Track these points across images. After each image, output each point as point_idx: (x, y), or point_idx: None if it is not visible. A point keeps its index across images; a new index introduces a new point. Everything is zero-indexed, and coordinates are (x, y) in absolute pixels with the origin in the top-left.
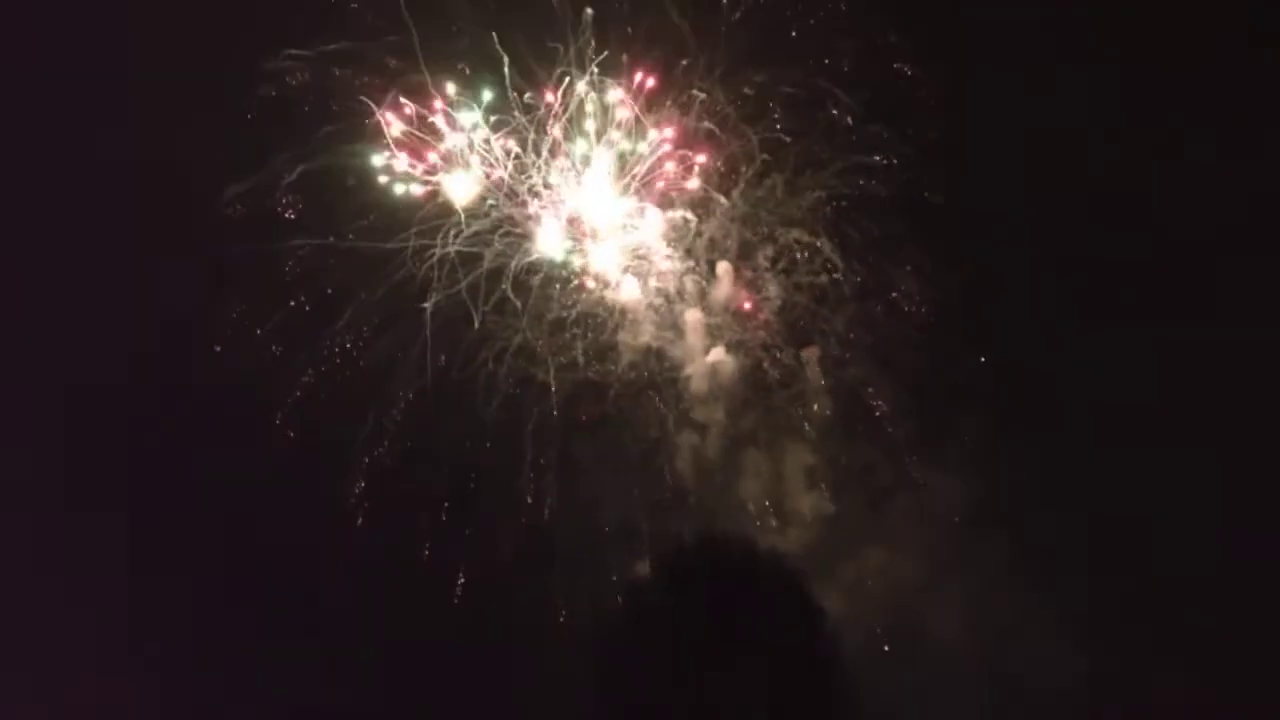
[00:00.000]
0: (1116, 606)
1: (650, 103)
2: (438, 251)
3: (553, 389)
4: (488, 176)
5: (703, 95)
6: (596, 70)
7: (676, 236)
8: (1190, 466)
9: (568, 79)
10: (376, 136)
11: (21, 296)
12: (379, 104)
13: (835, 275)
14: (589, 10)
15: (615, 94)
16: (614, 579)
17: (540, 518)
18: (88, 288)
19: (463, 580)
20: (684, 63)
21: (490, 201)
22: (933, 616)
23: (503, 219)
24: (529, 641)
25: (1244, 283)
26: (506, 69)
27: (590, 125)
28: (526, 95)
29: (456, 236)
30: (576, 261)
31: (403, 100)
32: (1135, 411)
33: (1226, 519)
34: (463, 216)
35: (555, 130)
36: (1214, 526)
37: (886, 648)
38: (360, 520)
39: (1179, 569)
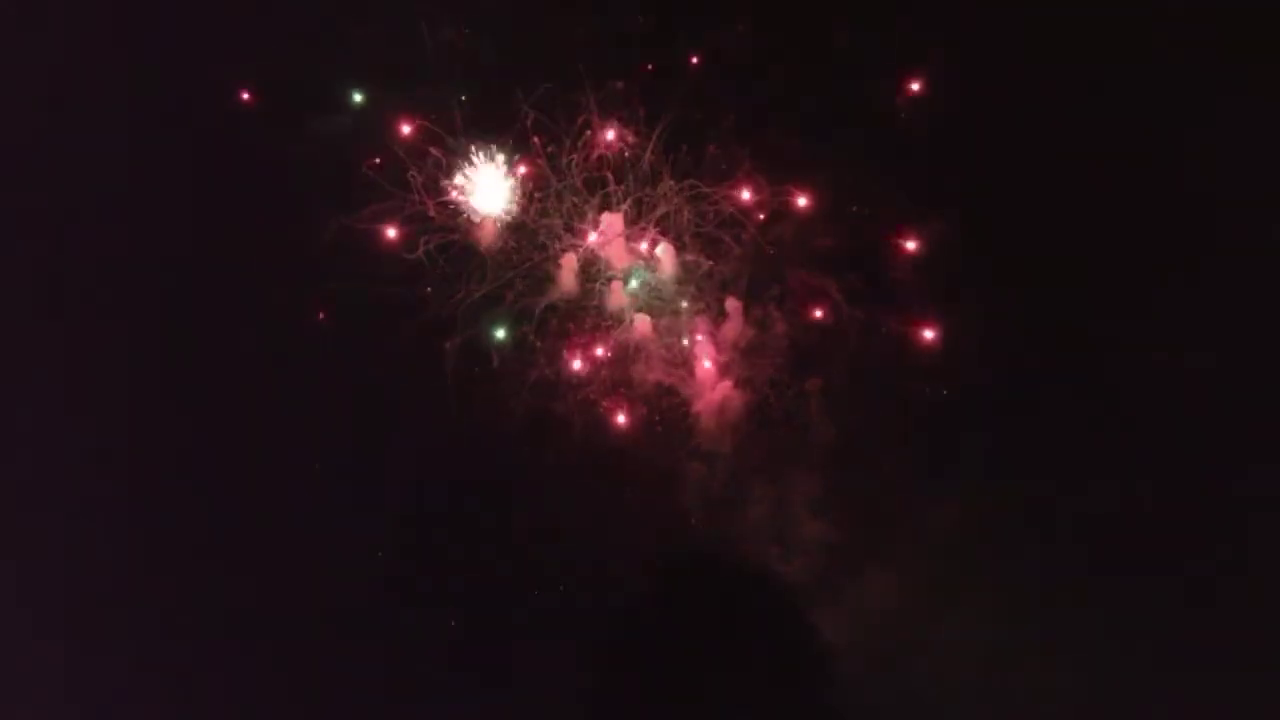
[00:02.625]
0: (1115, 630)
1: (666, 151)
2: (461, 292)
3: (571, 423)
4: (511, 221)
5: (713, 150)
6: (618, 122)
7: (688, 276)
8: (1189, 486)
9: (588, 131)
10: (408, 186)
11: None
12: (412, 156)
13: (840, 314)
14: (619, 83)
15: (633, 143)
16: (620, 602)
17: (555, 545)
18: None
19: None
20: (698, 116)
21: (512, 244)
22: (932, 640)
23: (524, 261)
24: (536, 659)
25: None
26: (530, 120)
27: (609, 172)
28: (550, 147)
29: (481, 279)
30: (592, 301)
31: (432, 150)
32: (1131, 435)
33: (1225, 537)
34: (487, 260)
35: (576, 177)
36: (1213, 547)
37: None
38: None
39: (1177, 590)
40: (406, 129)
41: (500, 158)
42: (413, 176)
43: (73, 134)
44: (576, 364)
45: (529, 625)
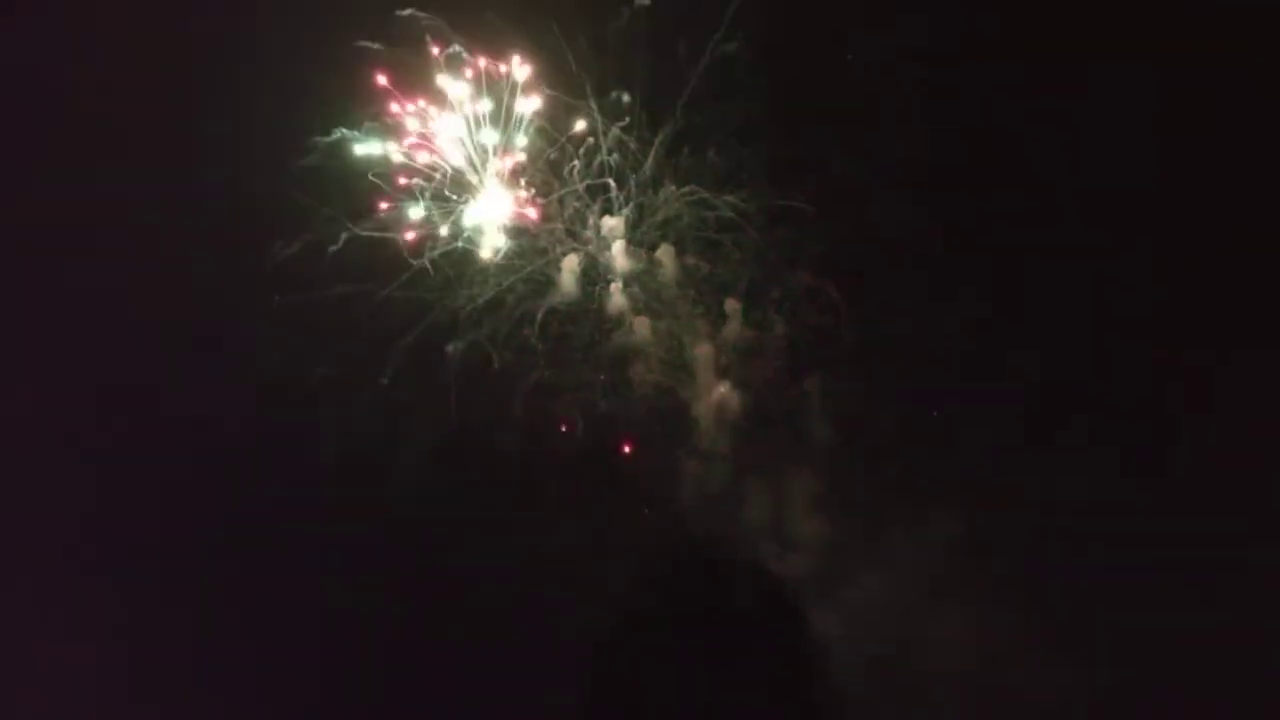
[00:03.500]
0: (1116, 630)
1: (668, 156)
2: (463, 296)
3: (576, 422)
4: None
5: (714, 156)
6: (618, 128)
7: (689, 279)
8: (1186, 488)
9: (591, 138)
10: (411, 192)
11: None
12: (415, 162)
13: (839, 315)
14: (625, 96)
15: (634, 148)
16: (617, 601)
17: (556, 544)
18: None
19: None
20: (700, 121)
21: (514, 248)
22: (929, 639)
23: (526, 266)
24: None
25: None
26: (532, 125)
27: (610, 178)
28: (550, 153)
29: (483, 284)
30: (594, 304)
31: (438, 159)
32: (1128, 437)
33: (1227, 536)
34: (491, 266)
35: (578, 181)
36: (1209, 550)
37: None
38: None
39: (1174, 592)
40: (412, 137)
41: (504, 165)
42: (418, 184)
43: (80, 136)
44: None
45: (527, 625)
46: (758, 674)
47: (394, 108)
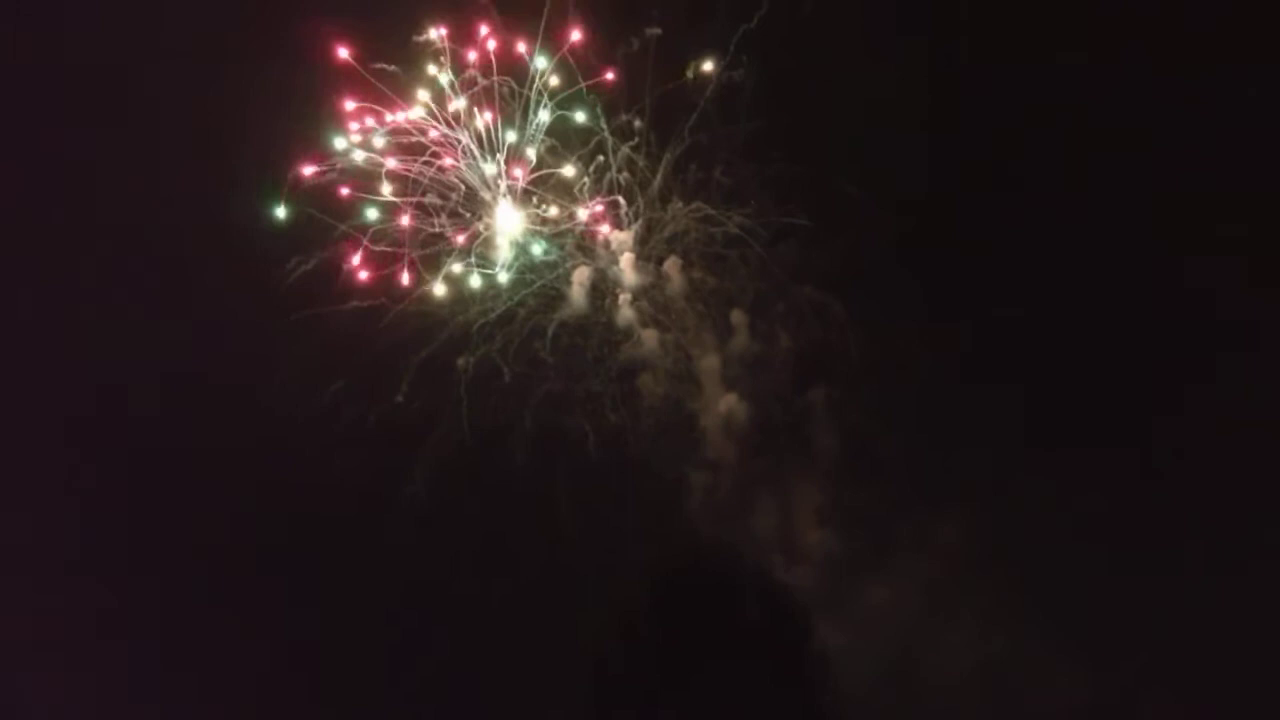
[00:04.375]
0: (1115, 636)
1: (676, 173)
2: (474, 310)
3: (587, 434)
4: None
5: (720, 175)
6: (628, 147)
7: (695, 293)
8: (1186, 496)
9: (601, 156)
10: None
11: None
12: (426, 180)
13: (843, 328)
14: (637, 122)
15: (643, 166)
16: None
17: (565, 553)
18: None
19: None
20: (706, 141)
21: (526, 262)
22: (934, 644)
23: (536, 279)
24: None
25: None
26: (540, 144)
27: (619, 194)
28: (559, 170)
29: (495, 298)
30: (603, 317)
31: (445, 170)
32: (1128, 446)
33: (1221, 546)
34: (503, 281)
35: (587, 197)
36: (1209, 554)
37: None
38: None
39: (1176, 597)
40: (426, 156)
41: (516, 185)
42: (432, 204)
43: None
44: None
45: (533, 632)
46: (764, 683)
47: (408, 128)
